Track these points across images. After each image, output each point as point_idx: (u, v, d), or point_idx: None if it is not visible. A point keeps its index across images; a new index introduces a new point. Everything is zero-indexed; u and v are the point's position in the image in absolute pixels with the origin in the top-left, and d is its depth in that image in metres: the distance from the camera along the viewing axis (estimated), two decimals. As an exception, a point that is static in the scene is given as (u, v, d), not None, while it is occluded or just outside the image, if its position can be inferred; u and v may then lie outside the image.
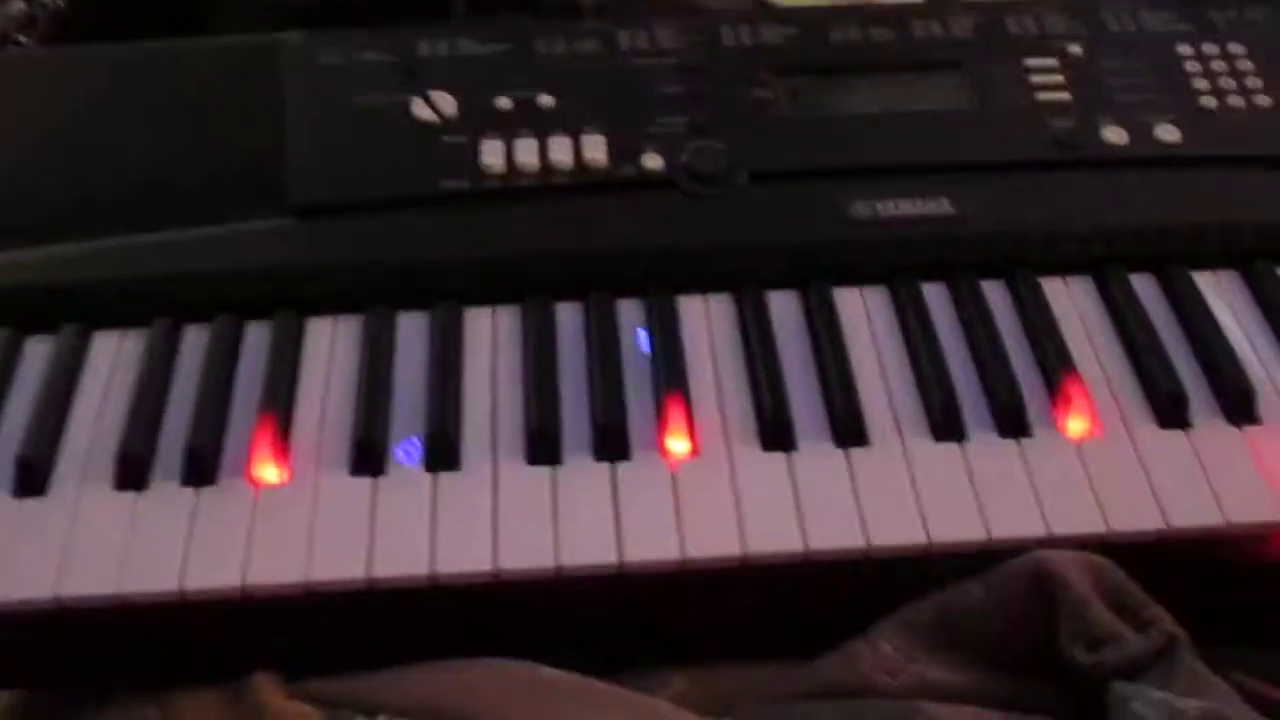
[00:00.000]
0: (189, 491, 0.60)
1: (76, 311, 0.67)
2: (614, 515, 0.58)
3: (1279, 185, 0.72)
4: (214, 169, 0.71)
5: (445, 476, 0.60)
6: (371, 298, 0.67)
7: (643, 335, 0.66)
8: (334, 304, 0.68)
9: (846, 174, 0.70)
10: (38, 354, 0.66)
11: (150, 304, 0.67)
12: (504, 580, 0.57)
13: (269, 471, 0.60)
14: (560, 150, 0.70)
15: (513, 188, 0.70)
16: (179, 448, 0.61)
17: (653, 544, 0.57)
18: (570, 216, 0.69)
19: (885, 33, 0.77)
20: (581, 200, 0.70)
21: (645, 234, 0.69)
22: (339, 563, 0.57)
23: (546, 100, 0.73)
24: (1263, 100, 0.75)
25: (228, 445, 0.62)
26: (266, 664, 0.59)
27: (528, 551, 0.57)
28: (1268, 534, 0.60)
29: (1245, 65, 0.76)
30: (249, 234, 0.68)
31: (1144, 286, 0.69)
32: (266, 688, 0.58)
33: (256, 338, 0.67)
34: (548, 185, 0.70)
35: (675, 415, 0.61)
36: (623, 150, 0.71)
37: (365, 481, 0.60)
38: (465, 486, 0.60)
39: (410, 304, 0.68)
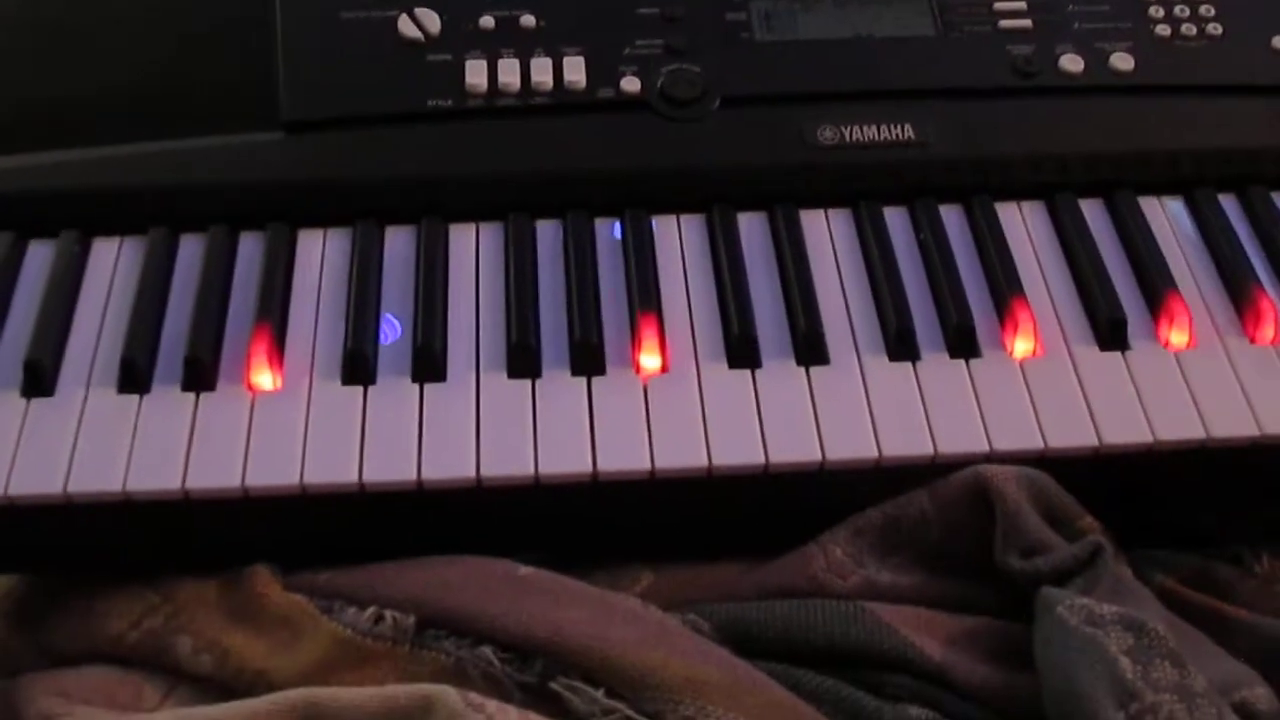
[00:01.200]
0: (189, 396, 0.64)
1: (76, 217, 0.70)
2: (589, 427, 0.63)
3: (1227, 113, 0.75)
4: (209, 80, 0.73)
5: (431, 388, 0.64)
6: (360, 212, 0.71)
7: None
8: (324, 217, 0.71)
9: (814, 99, 0.74)
10: (39, 257, 0.69)
11: (147, 212, 0.70)
12: (485, 486, 0.62)
13: (265, 379, 0.64)
14: (541, 71, 0.73)
15: (495, 107, 0.72)
16: (179, 354, 0.65)
17: (625, 455, 0.62)
18: (550, 137, 0.72)
19: (856, -44, 0.79)
20: (561, 121, 0.73)
21: (621, 156, 0.72)
22: (332, 468, 0.61)
23: (528, 20, 0.75)
24: (1214, 29, 0.77)
25: (225, 352, 0.66)
26: (261, 556, 0.64)
27: (508, 460, 0.62)
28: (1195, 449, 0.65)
29: (1200, -8, 0.79)
30: (243, 147, 0.71)
31: (1093, 212, 0.73)
32: (263, 578, 0.63)
33: (250, 248, 0.70)
34: (529, 106, 0.73)
35: (648, 333, 0.65)
36: (601, 72, 0.73)
37: (356, 390, 0.64)
38: (450, 397, 0.64)
39: (397, 219, 0.71)
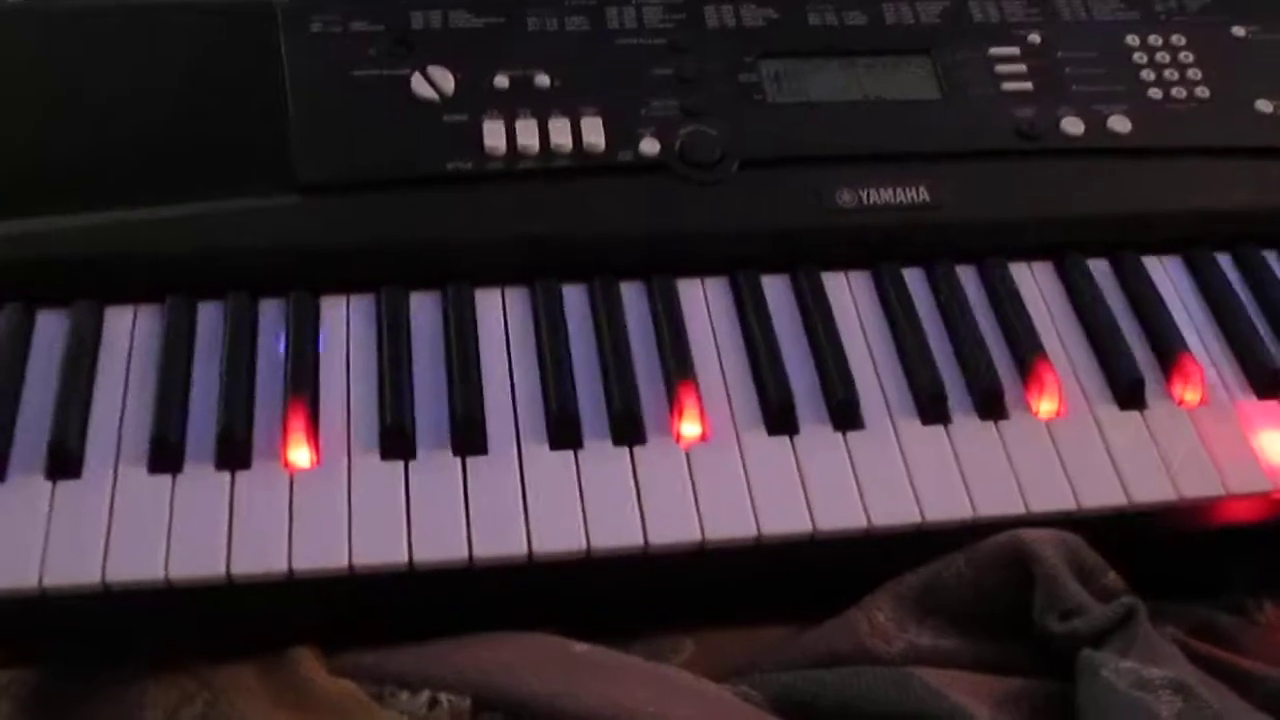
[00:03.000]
0: (224, 476, 0.62)
1: (86, 285, 0.68)
2: (636, 498, 0.63)
3: (1218, 174, 0.78)
4: (221, 142, 0.71)
5: (473, 461, 0.63)
6: (381, 277, 0.69)
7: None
8: (344, 282, 0.70)
9: (830, 161, 0.74)
10: (50, 327, 0.67)
11: (162, 279, 0.68)
12: (535, 561, 0.61)
13: (302, 455, 0.63)
14: (560, 133, 0.73)
15: (516, 170, 0.72)
16: (208, 430, 0.63)
17: (675, 526, 0.62)
18: (572, 200, 0.72)
19: (858, 16, 0.80)
20: (582, 183, 0.72)
21: (643, 218, 0.72)
22: (381, 548, 0.60)
23: (543, 80, 0.75)
24: (1202, 92, 0.80)
25: (257, 428, 0.64)
26: (301, 638, 0.62)
27: (558, 534, 0.61)
28: (1213, 505, 0.67)
29: (1186, 57, 0.82)
30: (258, 211, 0.69)
31: (1099, 271, 0.75)
32: (307, 661, 0.61)
33: (269, 316, 0.68)
34: (549, 168, 0.72)
35: (688, 401, 0.65)
36: (620, 134, 0.73)
37: (396, 465, 0.63)
38: (493, 471, 0.63)
39: (419, 284, 0.70)
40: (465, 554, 0.60)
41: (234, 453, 0.62)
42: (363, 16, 0.76)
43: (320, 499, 0.62)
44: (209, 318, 0.68)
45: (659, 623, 0.66)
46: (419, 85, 0.73)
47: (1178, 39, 0.82)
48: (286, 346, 0.66)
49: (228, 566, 0.59)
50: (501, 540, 0.61)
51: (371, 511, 0.61)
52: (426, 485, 0.62)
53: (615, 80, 0.75)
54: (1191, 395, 0.70)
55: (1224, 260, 0.77)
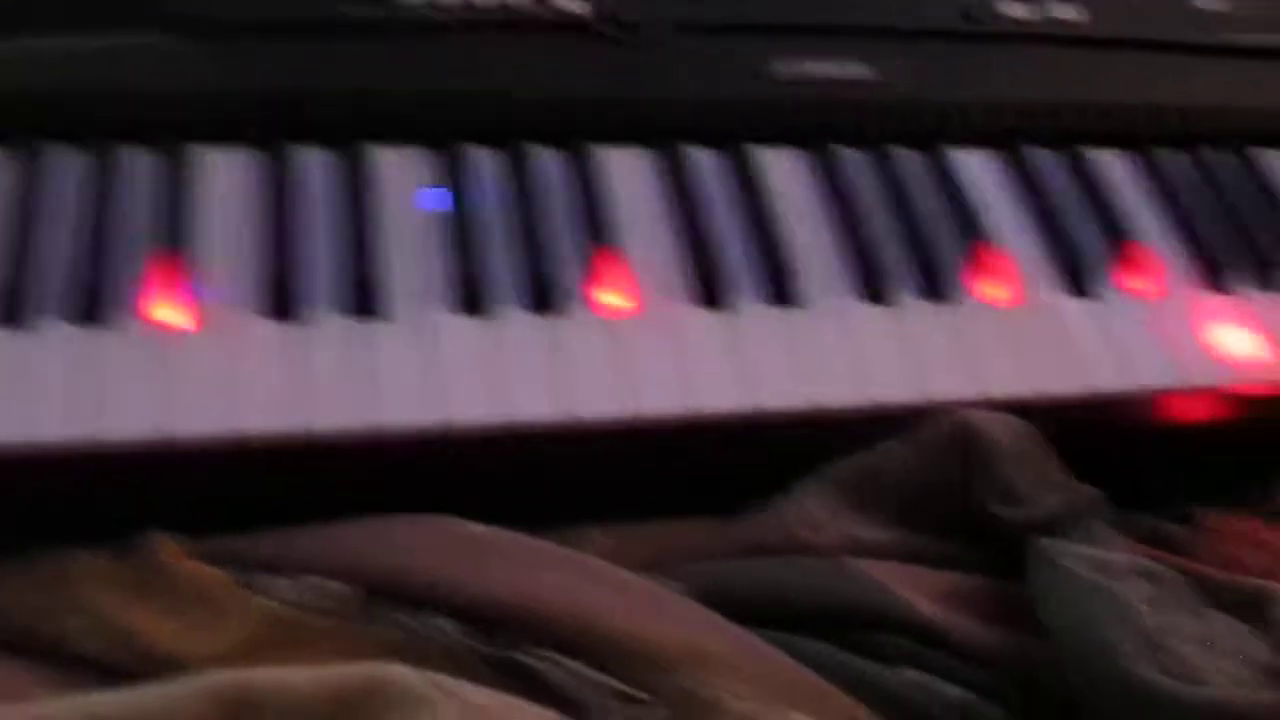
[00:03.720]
0: (78, 331, 0.54)
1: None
2: (555, 370, 0.56)
3: (1171, 68, 0.74)
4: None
5: (373, 325, 0.56)
6: (260, 128, 0.62)
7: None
8: (217, 133, 0.62)
9: (769, 31, 0.69)
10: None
11: (13, 120, 0.60)
12: (453, 434, 0.54)
13: (171, 314, 0.55)
14: (478, -17, 0.66)
15: (419, 19, 0.65)
16: (61, 282, 0.55)
17: (602, 399, 0.55)
18: (486, 56, 0.65)
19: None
20: (494, 37, 0.65)
21: (565, 80, 0.65)
22: (272, 413, 0.53)
23: (455, -71, 0.68)
24: (1157, -19, 0.76)
25: (117, 282, 0.56)
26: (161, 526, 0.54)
27: (470, 404, 0.54)
28: (1169, 399, 0.63)
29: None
30: (116, 49, 0.61)
31: (1048, 161, 0.71)
32: (168, 548, 0.53)
33: (135, 165, 0.60)
34: (460, 20, 0.65)
35: (612, 268, 0.59)
36: (543, -12, 0.67)
37: (284, 327, 0.56)
38: (393, 335, 0.56)
39: (304, 138, 0.62)
40: (366, 422, 0.53)
41: (91, 306, 0.54)
42: None
43: (194, 360, 0.54)
44: (60, 162, 0.60)
45: (563, 517, 0.59)
46: (314, -76, 0.66)
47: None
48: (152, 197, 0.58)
49: (89, 427, 0.51)
50: (409, 408, 0.54)
51: (259, 376, 0.54)
52: (319, 350, 0.55)
53: (537, -65, 0.69)
54: (1147, 286, 0.66)
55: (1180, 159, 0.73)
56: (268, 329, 0.55)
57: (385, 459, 0.55)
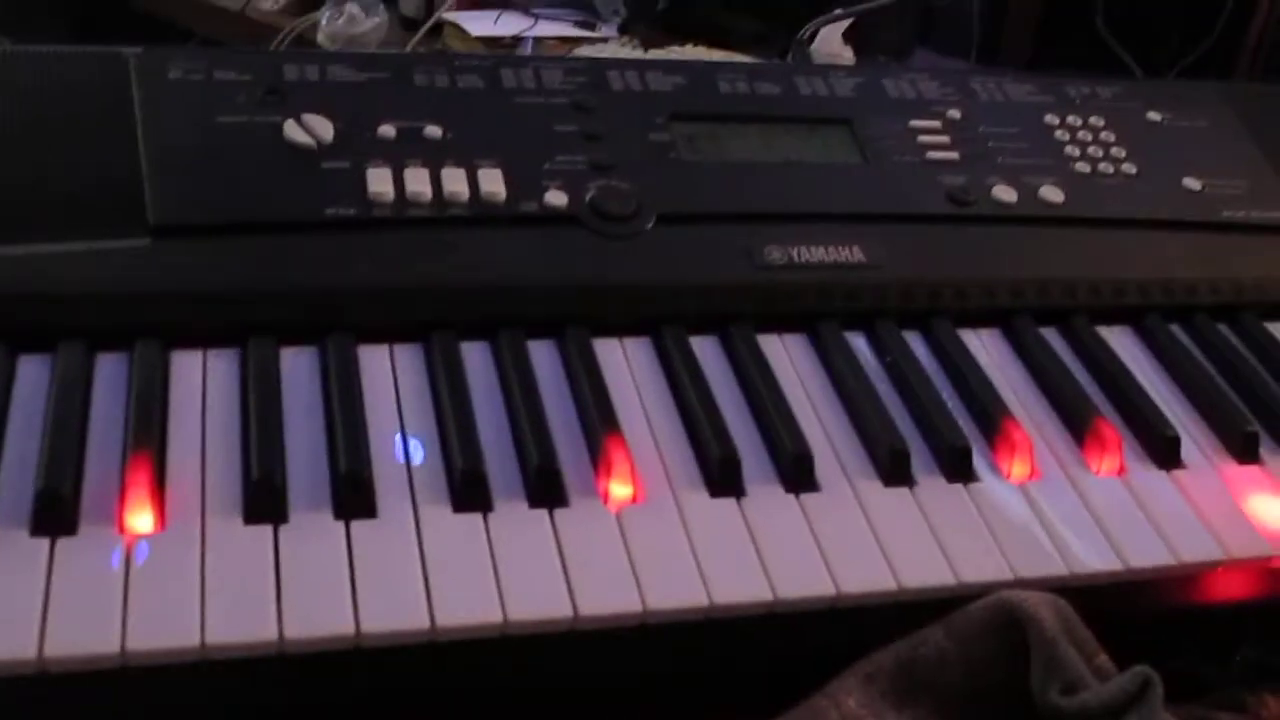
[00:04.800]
0: (43, 542, 0.49)
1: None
2: (561, 566, 0.52)
3: (1158, 245, 0.73)
4: (63, 184, 0.61)
5: (361, 525, 0.52)
6: (247, 328, 0.59)
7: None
8: (201, 334, 0.59)
9: (756, 219, 0.67)
10: None
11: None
12: (440, 639, 0.49)
13: (144, 519, 0.50)
14: (455, 181, 0.64)
15: (406, 218, 0.63)
16: (28, 489, 0.51)
17: (609, 595, 0.51)
18: (470, 249, 0.63)
19: (771, 87, 0.75)
20: (481, 233, 0.63)
21: (553, 270, 0.63)
22: (239, 623, 0.47)
23: (434, 131, 0.67)
24: (1129, 168, 0.77)
25: (87, 490, 0.52)
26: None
27: (469, 605, 0.49)
28: (1211, 573, 0.59)
29: (1107, 136, 0.78)
30: (102, 254, 0.58)
31: (1051, 337, 0.69)
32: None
33: (110, 371, 0.57)
34: (444, 217, 0.63)
35: (616, 457, 0.55)
36: (522, 184, 0.65)
37: (264, 530, 0.51)
38: (385, 535, 0.52)
39: (292, 338, 0.59)
40: (352, 629, 0.48)
41: (57, 516, 0.50)
42: (228, 67, 0.67)
43: (166, 568, 0.49)
44: (37, 371, 0.56)
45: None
46: (293, 131, 0.64)
47: (1096, 120, 0.79)
48: (128, 400, 0.55)
49: (40, 648, 0.46)
50: (397, 614, 0.49)
51: (231, 582, 0.49)
52: (301, 552, 0.50)
53: (515, 134, 0.68)
54: (1167, 459, 0.63)
55: (1175, 329, 0.71)
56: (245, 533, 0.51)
57: (388, 663, 0.49)
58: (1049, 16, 1.51)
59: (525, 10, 1.49)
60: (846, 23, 1.27)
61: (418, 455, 0.55)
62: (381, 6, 1.42)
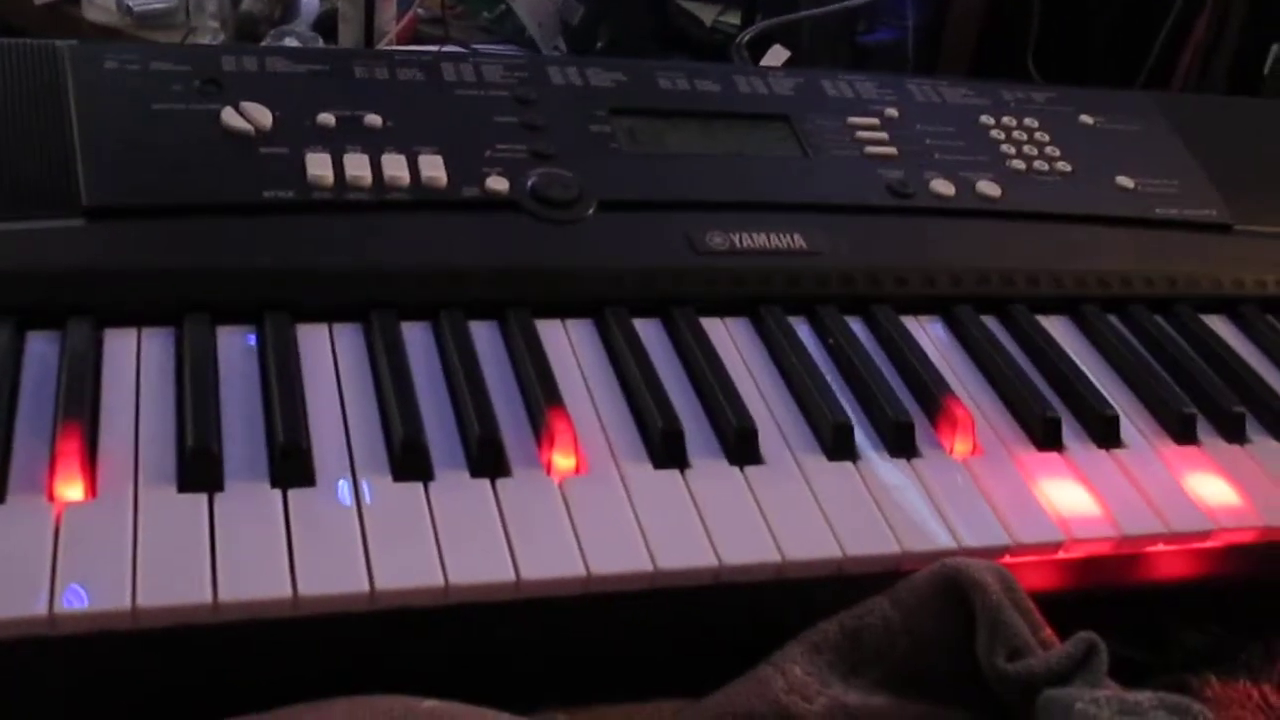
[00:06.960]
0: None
1: None
2: (503, 532, 0.51)
3: (1090, 238, 0.74)
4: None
5: (299, 493, 0.51)
6: (182, 308, 0.58)
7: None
8: (136, 313, 0.58)
9: (698, 207, 0.68)
10: None
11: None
12: (380, 606, 0.48)
13: (74, 489, 0.49)
14: (395, 166, 0.64)
15: (345, 201, 0.62)
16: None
17: (552, 561, 0.50)
18: (410, 232, 0.62)
19: (711, 85, 0.76)
20: (422, 217, 0.63)
21: (493, 255, 0.63)
22: (173, 587, 0.46)
23: (374, 120, 0.66)
24: (1064, 166, 0.78)
25: (15, 460, 0.50)
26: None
27: (410, 570, 0.49)
28: (1144, 547, 0.59)
29: (1041, 136, 0.80)
30: (33, 233, 0.57)
31: (992, 325, 0.69)
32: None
33: (41, 350, 0.55)
34: (384, 201, 0.63)
35: (560, 429, 0.55)
36: (463, 170, 0.65)
37: (198, 498, 0.50)
38: (323, 502, 0.51)
39: (227, 318, 0.58)
40: (288, 593, 0.47)
41: None
42: (165, 59, 0.67)
43: (97, 536, 0.48)
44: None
45: (522, 699, 0.53)
46: (231, 118, 0.64)
47: (1030, 122, 0.80)
48: (59, 375, 0.53)
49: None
50: (334, 580, 0.48)
51: (164, 548, 0.48)
52: (236, 520, 0.49)
53: (455, 123, 0.68)
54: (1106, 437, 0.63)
55: (1113, 319, 0.72)
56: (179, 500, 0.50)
57: (327, 634, 0.48)
58: (980, 53, 1.54)
59: (464, 44, 1.50)
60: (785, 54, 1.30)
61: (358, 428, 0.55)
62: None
